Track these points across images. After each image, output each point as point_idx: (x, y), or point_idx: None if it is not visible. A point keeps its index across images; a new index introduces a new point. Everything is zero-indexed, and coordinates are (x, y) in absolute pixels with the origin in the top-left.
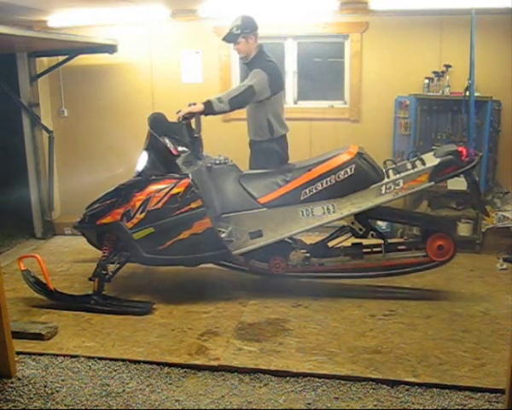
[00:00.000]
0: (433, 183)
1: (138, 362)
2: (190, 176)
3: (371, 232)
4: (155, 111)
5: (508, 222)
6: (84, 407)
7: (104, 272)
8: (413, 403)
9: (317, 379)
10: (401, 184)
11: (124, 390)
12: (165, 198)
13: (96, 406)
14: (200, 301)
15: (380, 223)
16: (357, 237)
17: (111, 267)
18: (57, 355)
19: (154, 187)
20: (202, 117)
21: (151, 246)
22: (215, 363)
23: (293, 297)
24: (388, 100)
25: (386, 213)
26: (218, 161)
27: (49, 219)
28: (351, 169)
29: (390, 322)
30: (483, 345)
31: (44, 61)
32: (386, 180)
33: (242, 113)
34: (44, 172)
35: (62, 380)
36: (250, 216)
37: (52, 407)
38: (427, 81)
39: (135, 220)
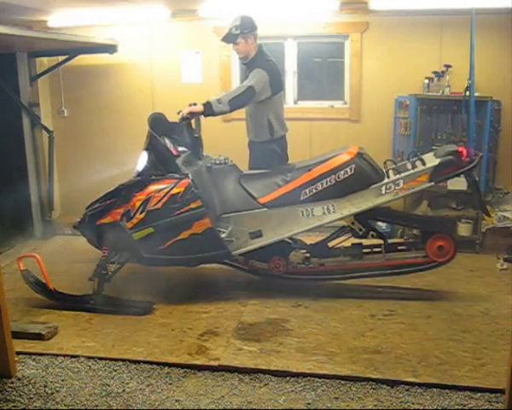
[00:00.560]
0: (433, 183)
1: (138, 362)
2: (190, 176)
3: (371, 233)
4: (155, 111)
5: (508, 222)
6: (84, 407)
7: (104, 272)
8: (413, 403)
9: (317, 379)
10: (401, 184)
11: (124, 390)
12: (165, 198)
13: (96, 406)
14: (200, 301)
15: (380, 223)
16: (357, 237)
17: (111, 267)
18: (57, 355)
19: (153, 187)
20: (202, 117)
21: (151, 246)
22: (215, 363)
23: (293, 297)
24: (388, 100)
25: (386, 214)
26: (217, 161)
27: (49, 219)
28: (351, 169)
29: (390, 322)
30: (483, 345)
31: (44, 61)
32: (386, 180)
33: (242, 113)
34: (44, 172)
35: (62, 380)
36: (250, 216)
37: (52, 407)
38: (427, 81)
39: (135, 220)
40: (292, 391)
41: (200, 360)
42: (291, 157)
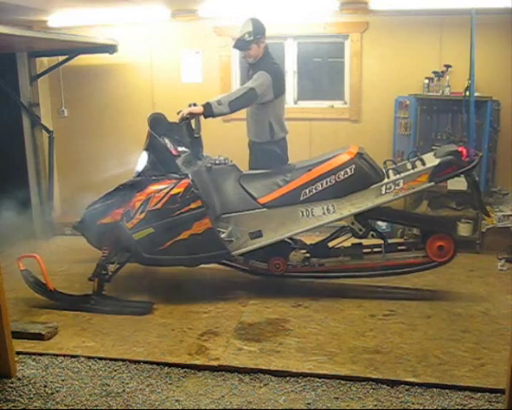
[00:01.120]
0: (433, 183)
1: (138, 362)
2: (190, 176)
3: (371, 233)
4: (155, 111)
5: (508, 222)
6: (84, 407)
7: (104, 272)
8: (413, 403)
9: (317, 379)
10: (401, 184)
11: (124, 390)
12: (165, 198)
13: (96, 406)
14: (200, 301)
15: (380, 223)
16: (357, 237)
17: (111, 267)
18: (57, 355)
19: (153, 187)
20: (202, 118)
21: (151, 246)
22: (215, 363)
23: (293, 297)
24: (388, 100)
25: (386, 214)
26: (217, 162)
27: (49, 219)
28: (351, 169)
29: (390, 322)
30: (483, 345)
31: (44, 61)
32: (386, 180)
33: (242, 113)
34: (44, 172)
35: (62, 380)
36: (250, 216)
37: (52, 407)
38: (427, 81)
39: (135, 221)
40: (292, 391)
41: (200, 360)
42: (291, 157)
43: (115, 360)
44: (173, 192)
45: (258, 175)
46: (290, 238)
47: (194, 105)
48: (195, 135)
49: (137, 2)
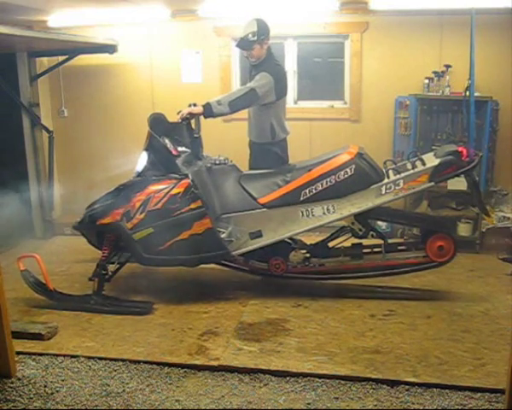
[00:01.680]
0: (433, 183)
1: (138, 362)
2: (190, 176)
3: (371, 233)
4: (155, 111)
5: (508, 222)
6: (84, 407)
7: (104, 273)
8: (413, 403)
9: (317, 379)
10: (401, 184)
11: (124, 390)
12: (165, 199)
13: (96, 406)
14: (200, 301)
15: (380, 223)
16: (357, 237)
17: (111, 267)
18: (57, 355)
19: (153, 187)
20: (202, 118)
21: (151, 246)
22: (215, 363)
23: (293, 297)
24: (388, 100)
25: (386, 214)
26: (217, 162)
27: (49, 219)
28: (351, 169)
29: (390, 322)
30: (483, 345)
31: (44, 61)
32: (386, 180)
33: (242, 113)
34: (44, 172)
35: (62, 380)
36: (250, 216)
37: (52, 407)
38: (427, 81)
39: (135, 221)
40: (292, 391)
41: (200, 360)
42: (291, 157)
43: (115, 360)
44: (173, 192)
45: (258, 175)
46: (290, 238)
47: (194, 105)
48: (195, 135)
49: (137, 2)
